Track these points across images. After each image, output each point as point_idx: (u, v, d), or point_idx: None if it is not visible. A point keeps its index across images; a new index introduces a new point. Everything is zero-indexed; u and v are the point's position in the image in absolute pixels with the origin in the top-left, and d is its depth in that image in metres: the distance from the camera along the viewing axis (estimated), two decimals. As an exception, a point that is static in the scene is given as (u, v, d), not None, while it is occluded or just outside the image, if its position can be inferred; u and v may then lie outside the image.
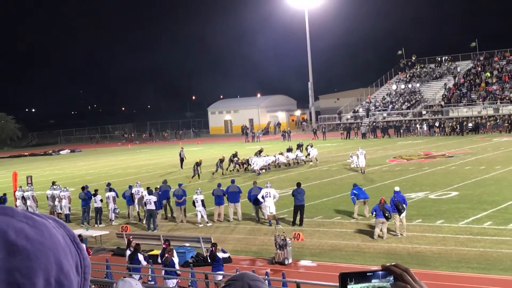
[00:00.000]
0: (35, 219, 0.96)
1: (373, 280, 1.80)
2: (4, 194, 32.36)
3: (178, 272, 17.80)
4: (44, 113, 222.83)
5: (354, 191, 25.09)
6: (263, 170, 40.72)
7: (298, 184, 25.38)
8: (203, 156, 47.99)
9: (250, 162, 41.56)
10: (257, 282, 2.48)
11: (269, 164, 42.41)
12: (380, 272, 1.80)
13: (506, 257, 18.28)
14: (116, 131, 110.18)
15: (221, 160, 41.23)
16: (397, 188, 22.69)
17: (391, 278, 1.77)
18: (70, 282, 0.94)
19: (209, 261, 18.85)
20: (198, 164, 39.60)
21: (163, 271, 17.63)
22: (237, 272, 2.68)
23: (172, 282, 17.10)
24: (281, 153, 44.25)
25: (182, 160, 46.78)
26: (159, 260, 18.37)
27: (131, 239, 20.39)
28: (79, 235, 21.21)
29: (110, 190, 29.02)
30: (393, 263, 1.79)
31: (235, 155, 43.16)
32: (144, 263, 18.55)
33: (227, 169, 41.93)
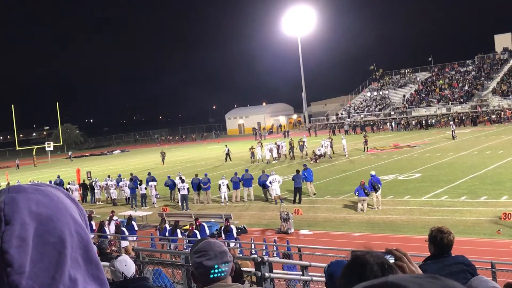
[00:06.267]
0: (41, 189, 0.96)
1: None
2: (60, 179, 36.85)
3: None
4: (100, 122, 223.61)
5: (304, 173, 25.18)
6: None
7: (297, 171, 25.34)
8: (219, 152, 47.55)
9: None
10: (222, 248, 2.34)
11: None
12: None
13: (459, 222, 18.20)
14: (156, 135, 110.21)
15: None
16: (373, 172, 22.66)
17: (393, 259, 1.76)
18: (83, 229, 0.96)
19: (222, 233, 18.82)
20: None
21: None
22: (203, 242, 2.37)
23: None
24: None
25: (227, 155, 44.78)
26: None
27: (163, 217, 20.54)
28: (130, 216, 21.20)
29: (152, 179, 29.07)
30: (394, 248, 1.77)
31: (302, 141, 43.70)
32: (180, 236, 18.48)
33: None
